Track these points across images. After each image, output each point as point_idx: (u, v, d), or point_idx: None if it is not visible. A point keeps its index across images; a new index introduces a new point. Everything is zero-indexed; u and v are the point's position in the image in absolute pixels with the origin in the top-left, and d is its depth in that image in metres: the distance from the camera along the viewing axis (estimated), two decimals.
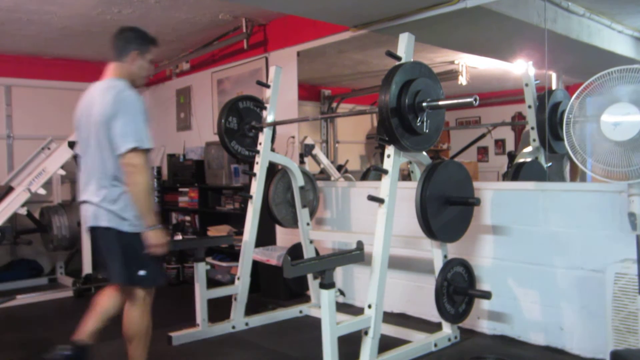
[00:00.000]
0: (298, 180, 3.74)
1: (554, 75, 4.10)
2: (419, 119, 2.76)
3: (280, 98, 3.72)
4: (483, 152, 5.03)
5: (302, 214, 3.81)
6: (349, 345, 2.69)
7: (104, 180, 2.43)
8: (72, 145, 4.76)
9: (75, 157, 4.79)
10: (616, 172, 2.35)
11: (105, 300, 2.60)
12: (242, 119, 3.77)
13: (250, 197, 3.61)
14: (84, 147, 2.53)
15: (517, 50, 4.00)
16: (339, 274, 4.18)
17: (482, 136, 4.90)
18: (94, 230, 2.51)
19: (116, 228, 2.43)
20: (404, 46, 2.86)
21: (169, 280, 5.12)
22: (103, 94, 2.43)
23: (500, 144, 4.95)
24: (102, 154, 2.42)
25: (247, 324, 3.59)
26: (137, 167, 2.34)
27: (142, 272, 2.46)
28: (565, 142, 2.50)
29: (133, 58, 2.54)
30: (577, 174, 3.87)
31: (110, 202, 2.42)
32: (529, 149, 4.08)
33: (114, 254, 2.46)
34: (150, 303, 2.57)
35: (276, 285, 4.25)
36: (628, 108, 2.29)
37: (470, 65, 4.69)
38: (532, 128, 3.73)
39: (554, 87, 4.02)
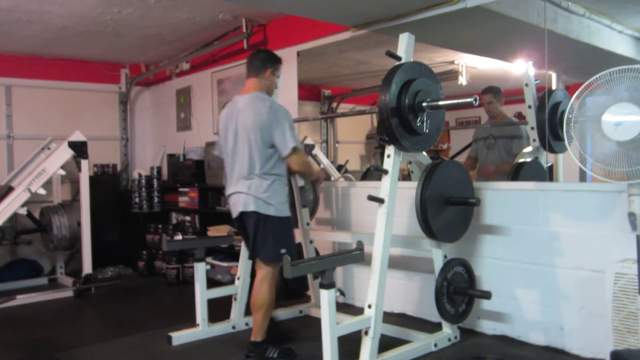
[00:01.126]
0: (298, 180, 3.74)
1: (554, 75, 4.10)
2: (419, 119, 2.76)
3: (281, 98, 3.71)
4: None
5: (302, 214, 3.81)
6: (349, 345, 2.69)
7: (253, 175, 2.96)
8: (72, 145, 4.76)
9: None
10: (617, 172, 2.35)
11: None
12: None
13: None
14: (231, 149, 3.04)
15: (517, 50, 3.99)
16: (339, 274, 4.18)
17: None
18: (243, 215, 3.01)
19: (263, 212, 2.95)
20: (404, 46, 2.86)
21: (169, 280, 5.13)
22: (254, 105, 2.97)
23: None
24: (252, 153, 2.95)
25: (247, 324, 3.58)
26: (300, 159, 3.03)
27: (283, 250, 2.92)
28: (566, 142, 2.50)
29: (268, 75, 3.10)
30: None
31: (259, 191, 2.95)
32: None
33: (261, 234, 2.97)
34: (277, 278, 3.07)
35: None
36: (630, 108, 2.29)
37: (470, 65, 4.69)
38: (532, 128, 3.73)
39: (554, 87, 4.02)
